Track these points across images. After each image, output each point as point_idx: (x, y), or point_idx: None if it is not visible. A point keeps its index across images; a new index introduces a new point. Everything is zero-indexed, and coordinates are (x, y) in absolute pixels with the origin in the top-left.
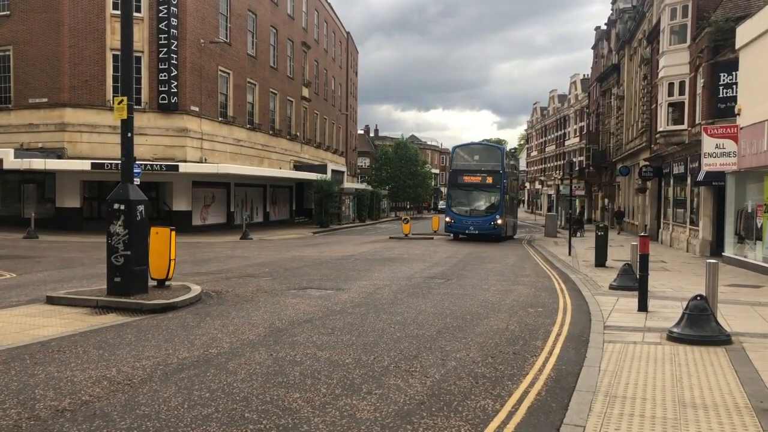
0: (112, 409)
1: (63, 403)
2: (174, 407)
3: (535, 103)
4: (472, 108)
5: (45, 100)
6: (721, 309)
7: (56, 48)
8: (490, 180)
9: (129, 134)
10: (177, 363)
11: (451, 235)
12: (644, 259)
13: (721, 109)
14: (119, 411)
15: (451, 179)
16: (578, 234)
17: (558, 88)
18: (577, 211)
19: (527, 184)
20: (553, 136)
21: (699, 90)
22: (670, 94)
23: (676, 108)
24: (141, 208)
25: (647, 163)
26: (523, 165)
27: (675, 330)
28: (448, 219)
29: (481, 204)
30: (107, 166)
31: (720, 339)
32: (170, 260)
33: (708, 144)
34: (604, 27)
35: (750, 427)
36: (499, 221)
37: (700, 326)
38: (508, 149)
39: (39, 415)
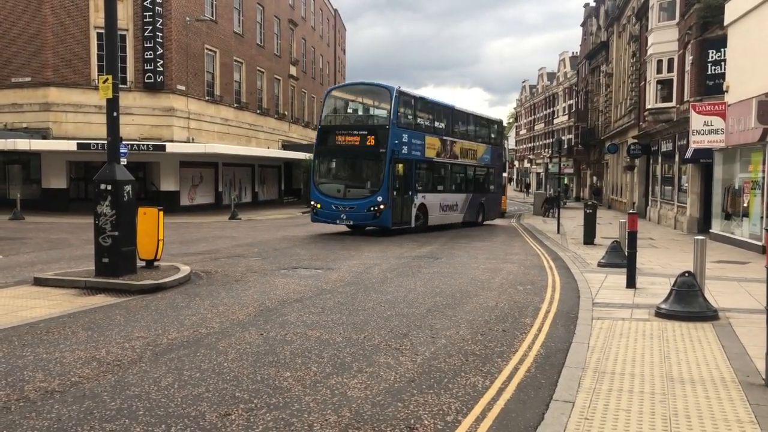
0: (102, 390)
1: (52, 384)
2: (164, 387)
3: (524, 81)
4: (463, 86)
5: (28, 79)
6: (709, 285)
7: (38, 26)
8: (371, 140)
9: (115, 114)
10: (167, 343)
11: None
12: (633, 237)
13: (710, 86)
14: (109, 392)
15: (319, 140)
16: (549, 214)
17: (547, 65)
18: (551, 189)
19: (516, 163)
20: (541, 114)
21: (687, 67)
22: (659, 71)
23: (665, 85)
24: (128, 188)
25: (635, 140)
26: (512, 143)
27: (663, 306)
28: (313, 202)
29: (357, 179)
30: (93, 146)
31: (707, 315)
32: (158, 240)
33: (696, 121)
34: (593, 4)
35: (737, 401)
36: (382, 206)
37: (687, 302)
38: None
39: (28, 397)
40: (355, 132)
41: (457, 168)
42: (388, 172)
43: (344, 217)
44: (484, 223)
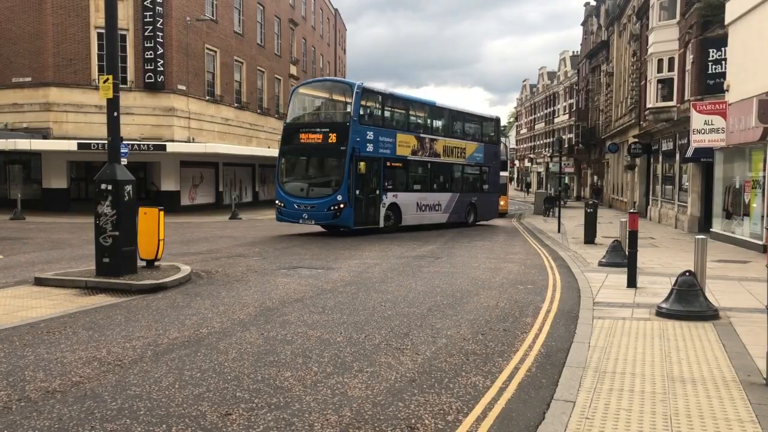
0: (103, 390)
1: (53, 384)
2: (165, 387)
3: (524, 81)
4: (463, 85)
5: (29, 79)
6: (710, 284)
7: (39, 26)
8: (333, 138)
9: (115, 113)
10: (167, 343)
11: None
12: (633, 236)
13: (710, 85)
14: (110, 392)
15: (284, 138)
16: (549, 213)
17: (548, 65)
18: (552, 189)
19: (516, 162)
20: (542, 113)
21: (688, 66)
22: (659, 70)
23: (665, 84)
24: (129, 188)
25: (636, 140)
26: (512, 142)
27: (664, 306)
28: (277, 202)
29: (318, 177)
30: (94, 146)
31: (708, 314)
32: (159, 240)
33: (697, 120)
34: (593, 3)
35: (737, 401)
36: (342, 205)
37: (688, 302)
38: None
39: (29, 397)
40: (318, 129)
41: (439, 167)
42: (348, 170)
43: (306, 216)
44: (478, 223)
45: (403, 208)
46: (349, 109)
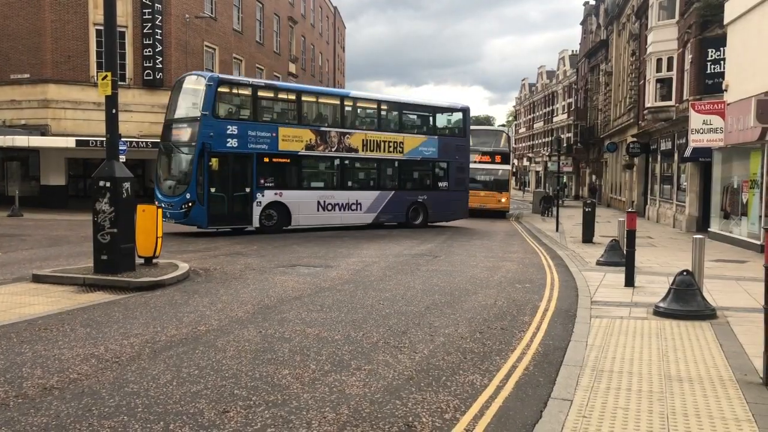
0: (100, 387)
1: (51, 381)
2: (163, 384)
3: (523, 80)
4: (463, 84)
5: (27, 76)
6: (707, 284)
7: (37, 22)
8: (187, 134)
9: (114, 111)
10: (165, 340)
11: None
12: (631, 235)
13: (709, 85)
14: (108, 389)
15: (161, 135)
16: (548, 213)
17: (548, 64)
18: (550, 188)
19: (515, 161)
20: (541, 112)
21: (687, 66)
22: (658, 70)
23: (664, 84)
24: (127, 185)
25: (635, 139)
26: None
27: (661, 305)
28: (156, 200)
29: (177, 175)
30: (92, 143)
31: (705, 314)
32: (157, 238)
33: (695, 120)
34: (593, 2)
35: (734, 400)
36: (191, 204)
37: (686, 301)
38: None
39: (27, 393)
40: (180, 125)
41: (357, 162)
42: (197, 167)
43: (168, 215)
44: (432, 224)
45: (292, 207)
46: (200, 101)
